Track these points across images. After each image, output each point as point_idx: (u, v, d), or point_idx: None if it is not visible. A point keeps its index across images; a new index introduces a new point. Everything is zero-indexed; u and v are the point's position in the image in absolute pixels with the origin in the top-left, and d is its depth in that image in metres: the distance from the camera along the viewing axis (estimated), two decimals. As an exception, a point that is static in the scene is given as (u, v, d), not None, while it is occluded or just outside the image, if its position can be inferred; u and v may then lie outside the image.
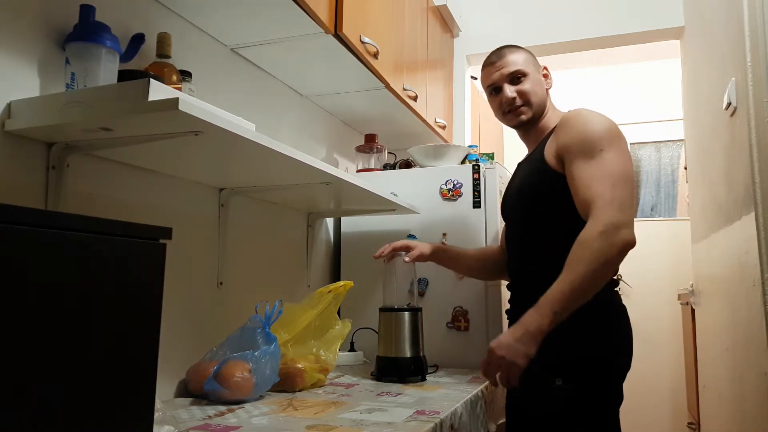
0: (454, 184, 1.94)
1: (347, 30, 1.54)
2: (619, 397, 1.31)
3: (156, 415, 0.84)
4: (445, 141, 2.57)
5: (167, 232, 0.72)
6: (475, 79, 3.08)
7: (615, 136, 1.28)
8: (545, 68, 1.52)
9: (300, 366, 1.38)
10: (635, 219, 1.25)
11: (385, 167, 2.18)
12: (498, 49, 1.50)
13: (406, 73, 2.11)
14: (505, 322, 1.69)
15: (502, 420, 1.53)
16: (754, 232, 1.48)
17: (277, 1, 1.32)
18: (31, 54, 1.03)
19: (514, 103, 1.44)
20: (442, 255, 1.67)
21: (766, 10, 1.49)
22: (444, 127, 2.55)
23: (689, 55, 2.57)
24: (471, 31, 2.89)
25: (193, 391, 1.28)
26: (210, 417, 1.10)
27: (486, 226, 1.89)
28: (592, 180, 1.23)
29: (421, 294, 1.92)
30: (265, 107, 1.77)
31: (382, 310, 1.64)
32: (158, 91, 0.90)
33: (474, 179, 1.92)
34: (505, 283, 1.72)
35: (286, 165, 1.27)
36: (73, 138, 1.04)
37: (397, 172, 2.09)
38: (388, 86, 1.90)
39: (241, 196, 1.59)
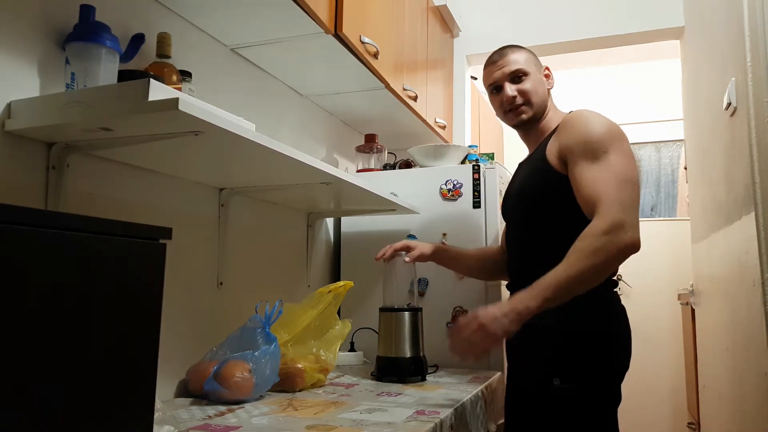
0: (454, 184, 1.94)
1: (347, 30, 1.54)
2: (617, 397, 1.31)
3: (156, 415, 0.84)
4: (445, 141, 2.57)
5: (167, 232, 0.72)
6: (475, 79, 3.08)
7: (618, 138, 1.28)
8: (547, 68, 1.52)
9: (300, 366, 1.38)
10: (636, 219, 1.25)
11: (385, 167, 2.18)
12: (500, 48, 1.50)
13: (406, 73, 2.10)
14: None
15: (502, 420, 1.53)
16: (754, 232, 1.48)
17: (277, 1, 1.32)
18: (31, 54, 1.03)
19: (514, 101, 1.44)
20: (442, 255, 1.67)
21: (766, 10, 1.49)
22: (444, 127, 2.55)
23: (689, 55, 2.57)
24: (471, 31, 2.89)
25: (193, 391, 1.28)
26: (210, 417, 1.10)
27: (486, 226, 1.89)
28: (596, 181, 1.23)
29: (421, 294, 1.92)
30: (265, 107, 1.77)
31: (382, 310, 1.64)
32: (158, 91, 0.90)
33: (474, 179, 1.92)
34: (505, 283, 1.72)
35: (286, 165, 1.27)
36: (73, 138, 1.04)
37: (397, 172, 2.09)
38: (388, 86, 1.90)
39: (241, 196, 1.59)
